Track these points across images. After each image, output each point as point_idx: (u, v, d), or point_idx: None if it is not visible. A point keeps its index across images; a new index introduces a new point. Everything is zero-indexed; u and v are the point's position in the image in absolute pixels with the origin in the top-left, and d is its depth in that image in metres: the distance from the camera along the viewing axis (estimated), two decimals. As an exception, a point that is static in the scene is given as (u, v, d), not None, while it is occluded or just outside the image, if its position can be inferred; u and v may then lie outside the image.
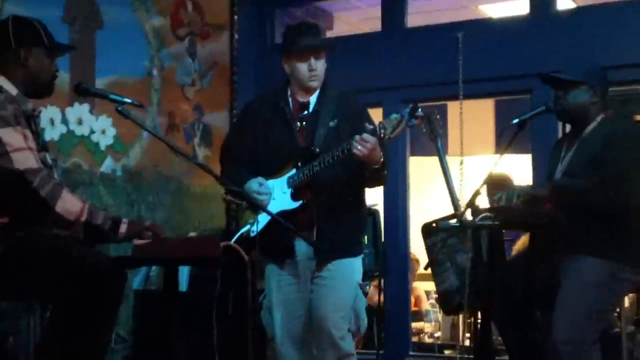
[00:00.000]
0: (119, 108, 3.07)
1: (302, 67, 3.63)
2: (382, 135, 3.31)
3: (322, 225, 3.57)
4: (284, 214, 3.53)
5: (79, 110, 4.69)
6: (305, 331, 3.70)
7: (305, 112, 3.70)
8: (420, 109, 3.29)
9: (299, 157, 3.61)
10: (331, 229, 3.58)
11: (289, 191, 3.61)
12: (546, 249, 3.66)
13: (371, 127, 3.37)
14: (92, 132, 4.78)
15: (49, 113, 4.48)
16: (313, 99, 3.70)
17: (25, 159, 2.83)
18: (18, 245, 2.84)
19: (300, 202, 3.59)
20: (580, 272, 3.53)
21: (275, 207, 3.57)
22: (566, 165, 3.71)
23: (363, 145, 3.33)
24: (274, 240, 3.55)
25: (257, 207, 3.39)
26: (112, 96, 3.10)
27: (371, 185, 3.76)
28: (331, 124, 3.63)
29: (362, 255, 3.80)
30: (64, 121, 4.61)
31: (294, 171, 3.60)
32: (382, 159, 3.46)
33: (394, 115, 3.33)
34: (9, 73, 3.02)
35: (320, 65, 3.65)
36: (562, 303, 3.54)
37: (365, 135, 3.34)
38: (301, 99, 3.71)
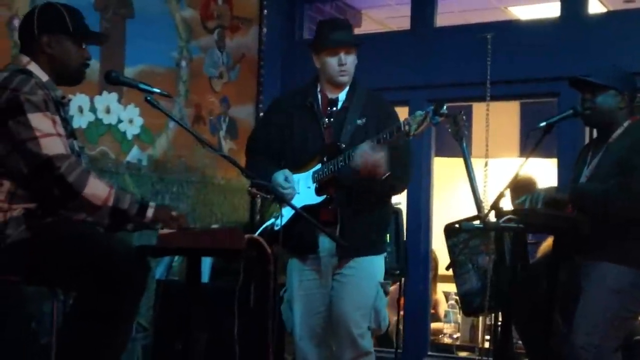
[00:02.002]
0: (148, 98, 3.07)
1: (332, 62, 3.64)
2: (407, 131, 3.32)
3: (345, 222, 3.58)
4: (307, 208, 3.53)
5: (108, 99, 4.72)
6: (325, 327, 3.70)
7: (334, 108, 3.70)
8: (444, 106, 3.30)
9: (325, 152, 3.61)
10: (354, 226, 3.58)
11: (313, 186, 3.62)
12: (569, 253, 3.64)
13: (396, 124, 3.39)
14: (120, 121, 4.81)
15: (77, 101, 4.51)
16: (342, 95, 3.71)
17: (53, 145, 2.85)
18: (44, 232, 2.86)
19: (324, 197, 3.59)
20: (603, 278, 3.52)
21: (299, 201, 3.58)
22: (592, 170, 3.69)
23: (363, 158, 3.38)
24: (297, 235, 3.55)
25: (282, 200, 3.40)
26: (142, 86, 3.10)
27: (388, 194, 3.75)
28: (359, 121, 3.64)
29: (384, 254, 3.80)
30: (92, 109, 4.64)
31: (319, 166, 3.61)
32: (387, 173, 3.45)
33: (418, 112, 3.34)
34: (38, 60, 3.04)
35: (350, 61, 3.66)
36: (583, 308, 3.52)
37: (367, 150, 3.37)
38: (330, 95, 3.72)
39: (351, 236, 3.51)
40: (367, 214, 3.63)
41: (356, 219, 3.59)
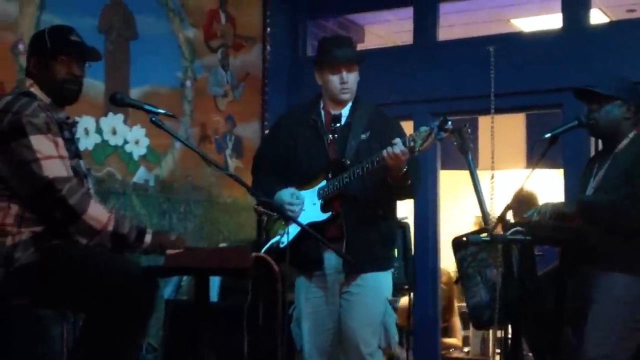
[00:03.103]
0: (153, 118, 3.07)
1: (334, 79, 3.65)
2: (411, 147, 3.32)
3: (351, 238, 3.57)
4: (313, 225, 3.52)
5: (113, 120, 4.74)
6: (333, 343, 3.69)
7: (337, 124, 3.71)
8: (449, 122, 3.30)
9: (330, 168, 3.62)
10: (360, 242, 3.57)
11: (319, 202, 3.62)
12: (577, 264, 3.63)
13: (401, 139, 3.39)
14: (126, 142, 4.83)
15: (83, 123, 4.53)
16: (345, 111, 3.72)
17: (54, 167, 2.86)
18: (53, 254, 2.87)
19: (330, 213, 3.59)
20: (612, 289, 3.50)
21: (304, 218, 3.58)
22: (598, 181, 3.69)
23: (396, 154, 3.35)
24: (303, 252, 3.54)
25: (288, 218, 3.40)
26: (147, 107, 3.10)
27: (399, 197, 3.75)
28: (363, 136, 3.64)
29: (392, 270, 3.79)
30: (98, 131, 4.66)
31: (324, 183, 3.61)
32: (404, 169, 3.46)
33: (423, 128, 3.34)
34: (36, 82, 3.06)
35: (352, 78, 3.67)
36: (593, 320, 3.50)
37: (404, 149, 3.34)
38: (333, 111, 3.73)
39: (357, 252, 3.51)
40: (373, 229, 3.62)
41: (362, 234, 3.58)
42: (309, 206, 3.63)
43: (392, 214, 3.79)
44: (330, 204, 3.60)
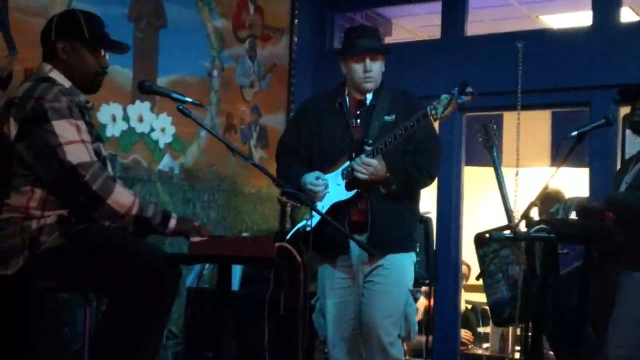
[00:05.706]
0: (180, 107, 3.09)
1: (358, 68, 3.67)
2: (433, 115, 3.33)
3: (376, 216, 3.59)
4: (338, 205, 3.58)
5: (140, 108, 4.76)
6: (355, 333, 3.72)
7: (362, 108, 3.72)
8: (469, 87, 3.30)
9: (353, 150, 3.64)
10: (384, 221, 3.59)
11: (343, 182, 3.64)
12: (601, 263, 3.61)
13: (423, 111, 3.39)
14: (152, 130, 4.85)
15: (110, 110, 4.56)
16: (370, 95, 3.74)
17: (77, 152, 2.86)
18: (78, 239, 2.88)
19: (355, 191, 3.61)
20: (636, 290, 3.48)
21: (330, 199, 3.62)
22: (632, 177, 3.66)
23: (365, 169, 3.49)
24: (328, 236, 3.56)
25: (312, 208, 3.41)
26: (174, 95, 3.12)
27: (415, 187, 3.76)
28: (387, 118, 3.66)
29: (414, 253, 3.79)
30: (125, 118, 4.69)
31: (348, 163, 3.64)
32: (387, 175, 3.54)
33: (444, 95, 3.35)
34: (57, 66, 3.05)
35: (375, 67, 3.68)
36: (616, 319, 3.49)
37: (366, 159, 3.48)
38: (358, 96, 3.74)
39: (382, 232, 3.54)
40: (396, 208, 3.63)
41: (386, 213, 3.59)
42: (333, 187, 3.65)
43: (415, 197, 3.79)
44: (355, 183, 3.61)
